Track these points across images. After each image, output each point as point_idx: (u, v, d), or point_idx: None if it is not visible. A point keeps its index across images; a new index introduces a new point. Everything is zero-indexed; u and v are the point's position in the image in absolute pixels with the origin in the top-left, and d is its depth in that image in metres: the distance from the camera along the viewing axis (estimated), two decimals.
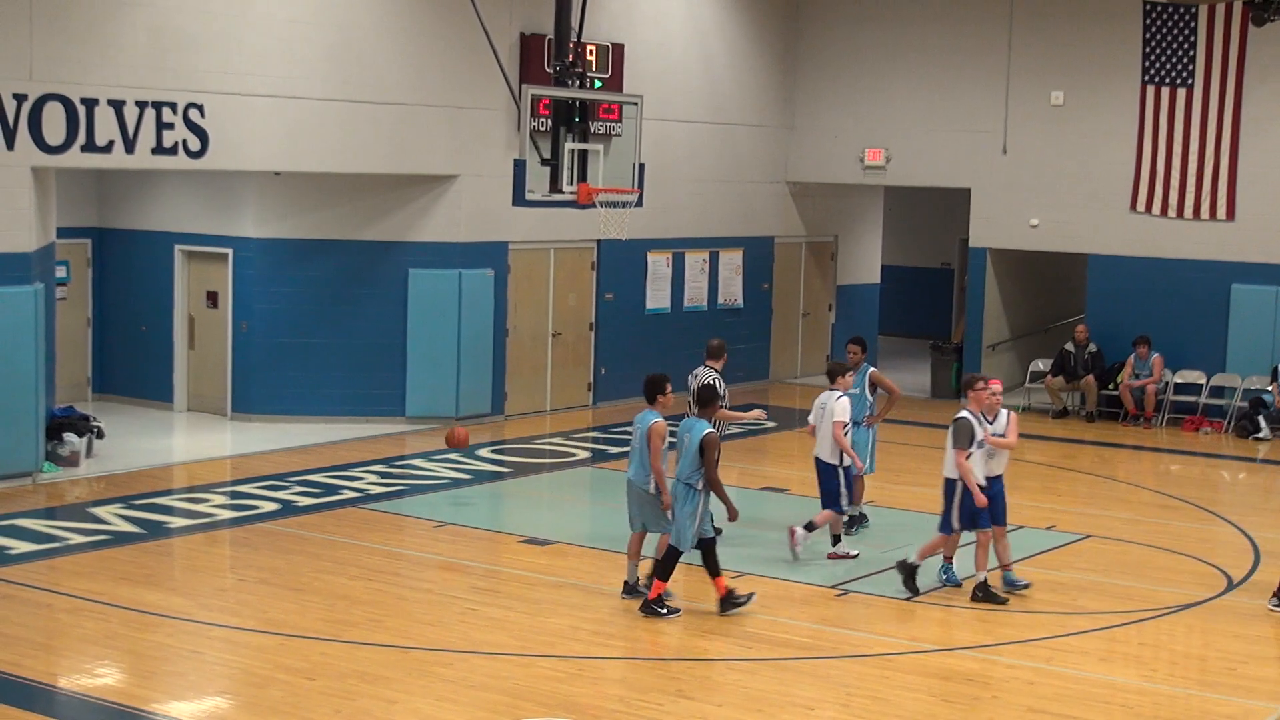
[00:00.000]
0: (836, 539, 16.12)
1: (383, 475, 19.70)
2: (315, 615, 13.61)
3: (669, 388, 14.26)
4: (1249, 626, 14.12)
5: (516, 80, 22.32)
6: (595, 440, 22.48)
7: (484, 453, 21.32)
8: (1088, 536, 17.32)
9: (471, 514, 18.03)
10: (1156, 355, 24.86)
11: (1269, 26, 22.66)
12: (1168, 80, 25.04)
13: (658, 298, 26.34)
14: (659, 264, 26.26)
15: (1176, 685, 12.54)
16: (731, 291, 27.68)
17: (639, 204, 20.37)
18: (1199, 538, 17.08)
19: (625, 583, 14.53)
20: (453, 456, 20.65)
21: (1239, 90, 24.57)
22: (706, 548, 13.94)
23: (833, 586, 15.01)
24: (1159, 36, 24.99)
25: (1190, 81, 24.89)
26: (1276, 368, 23.99)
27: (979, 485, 14.47)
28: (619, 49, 24.41)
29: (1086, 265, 26.31)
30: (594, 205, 19.48)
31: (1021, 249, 26.86)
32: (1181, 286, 25.15)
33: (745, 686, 12.02)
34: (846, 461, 15.89)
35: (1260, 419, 23.89)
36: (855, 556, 16.01)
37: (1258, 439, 23.81)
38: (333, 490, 18.73)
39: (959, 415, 14.65)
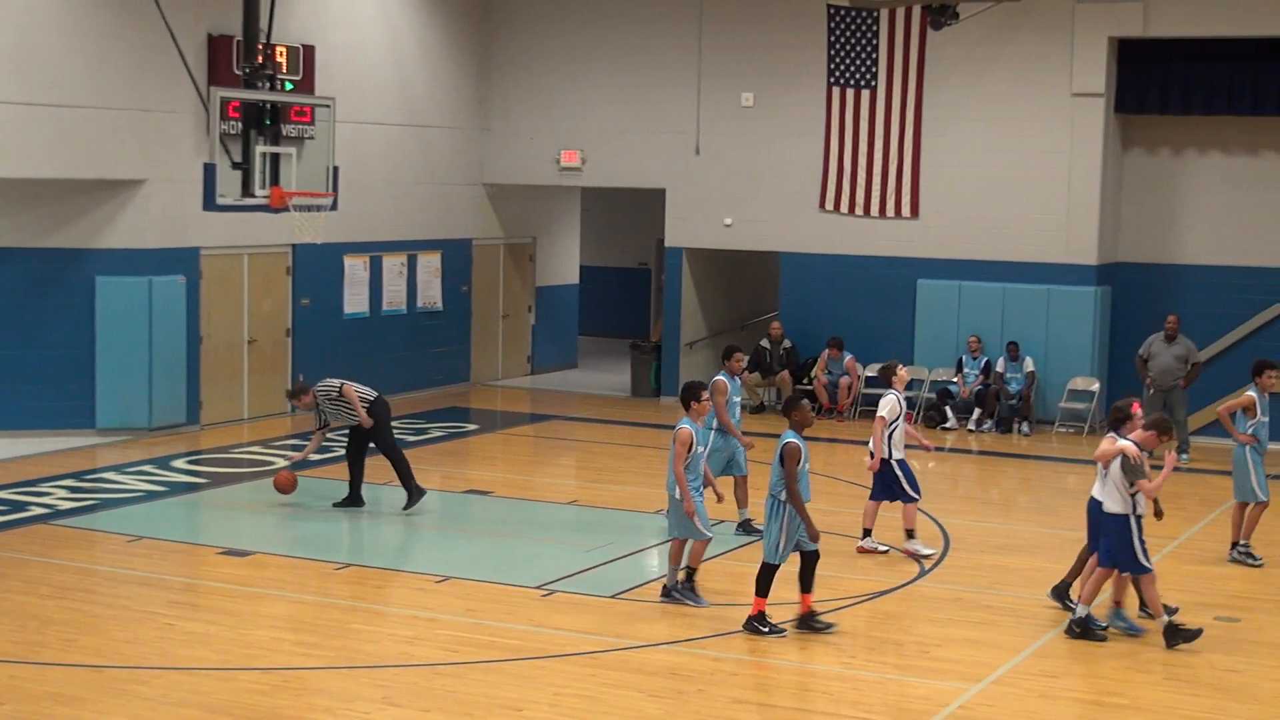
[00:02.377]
0: (866, 532, 16.72)
1: (73, 490, 19.05)
2: (4, 637, 13.08)
3: (704, 395, 14.35)
4: (941, 610, 14.60)
5: (205, 82, 21.82)
6: (295, 447, 22.11)
7: (179, 463, 20.79)
8: None
9: (167, 527, 17.54)
10: (849, 357, 25.54)
11: (946, 30, 23.47)
12: (852, 82, 25.76)
13: (355, 302, 26.02)
14: (356, 268, 25.96)
15: (874, 670, 12.89)
16: (430, 294, 27.52)
17: (334, 207, 20.15)
18: (893, 526, 17.57)
19: (664, 586, 14.65)
20: (147, 469, 20.11)
21: (920, 92, 25.41)
22: (806, 562, 13.71)
23: (538, 587, 15.03)
24: (843, 39, 25.69)
25: (874, 83, 25.65)
26: (961, 359, 24.88)
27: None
28: (310, 51, 24.06)
29: (780, 263, 26.88)
30: (288, 209, 19.18)
31: (716, 248, 27.32)
32: (870, 282, 25.89)
33: (453, 691, 11.95)
34: (898, 454, 16.55)
35: (947, 409, 24.74)
36: (886, 551, 16.66)
37: (945, 429, 24.64)
38: (20, 507, 18.03)
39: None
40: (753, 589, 13.66)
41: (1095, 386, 24.47)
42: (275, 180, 19.00)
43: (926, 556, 16.33)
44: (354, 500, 18.13)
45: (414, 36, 26.92)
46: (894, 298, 25.71)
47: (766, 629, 13.53)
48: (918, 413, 24.97)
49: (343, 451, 18.73)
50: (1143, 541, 13.52)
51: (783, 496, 13.50)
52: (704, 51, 26.79)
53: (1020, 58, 24.78)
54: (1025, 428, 24.38)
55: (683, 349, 27.43)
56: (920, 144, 25.48)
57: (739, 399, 17.19)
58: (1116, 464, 13.48)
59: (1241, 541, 16.59)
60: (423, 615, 14.03)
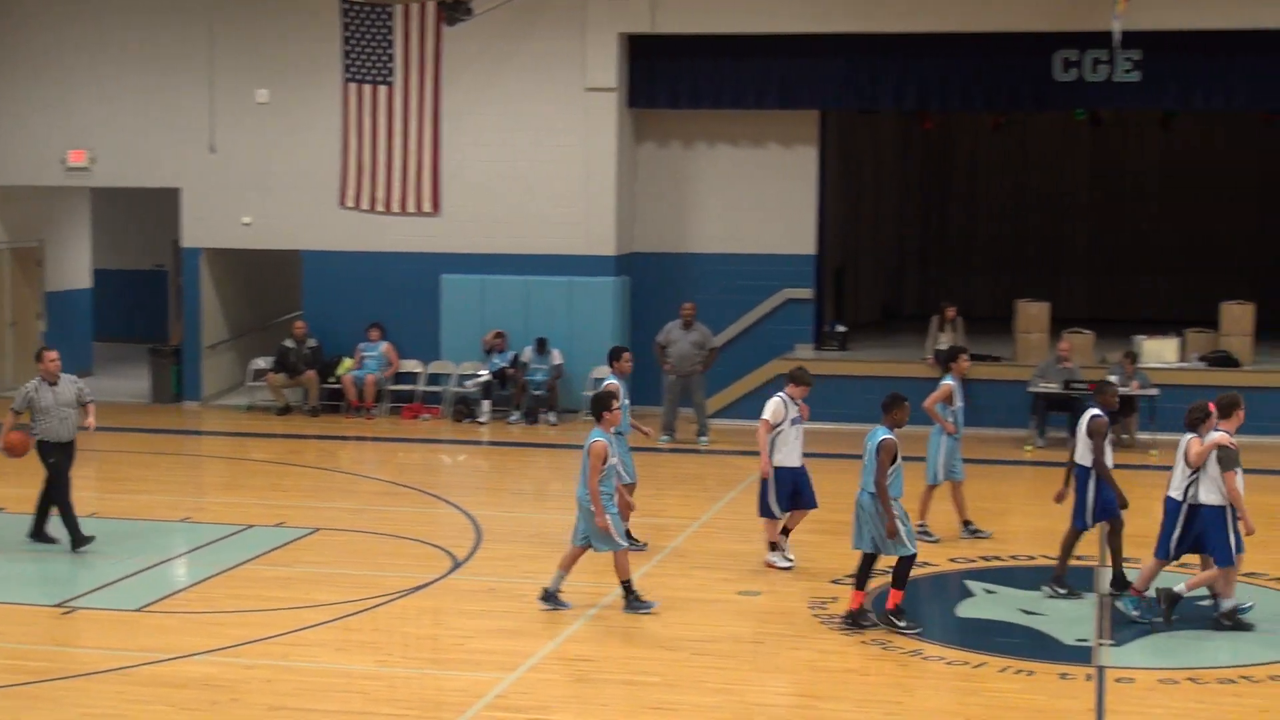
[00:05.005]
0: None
1: None
2: None
3: (615, 404, 14.19)
4: (475, 603, 14.67)
5: None
6: None
7: None
8: (317, 530, 17.43)
9: None
10: (386, 343, 25.40)
11: (461, 26, 23.59)
12: (369, 78, 25.59)
13: None
14: None
15: (410, 667, 12.85)
16: None
17: None
18: (424, 521, 17.57)
19: (545, 590, 14.25)
20: None
21: (437, 88, 25.46)
22: (867, 558, 13.81)
23: (57, 605, 14.37)
24: (358, 35, 25.50)
25: (390, 79, 25.55)
26: (489, 355, 25.06)
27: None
28: None
29: (301, 261, 26.50)
30: None
31: (236, 248, 26.71)
32: (395, 279, 25.80)
33: None
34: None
35: (484, 404, 24.77)
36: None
37: (478, 422, 24.75)
38: None
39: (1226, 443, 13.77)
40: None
41: None
42: None
43: (785, 568, 15.85)
44: None
45: None
46: (419, 293, 25.69)
47: (903, 624, 13.63)
48: (447, 407, 25.05)
49: None
50: (1237, 534, 13.68)
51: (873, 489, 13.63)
52: (216, 47, 26.12)
53: (535, 54, 25.13)
54: (552, 417, 24.75)
55: (205, 351, 26.72)
56: (439, 140, 25.53)
57: (627, 401, 16.40)
58: (1213, 458, 13.59)
59: (967, 520, 17.23)
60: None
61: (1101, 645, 13.40)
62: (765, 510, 15.71)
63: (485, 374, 24.92)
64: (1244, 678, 12.57)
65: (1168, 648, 13.39)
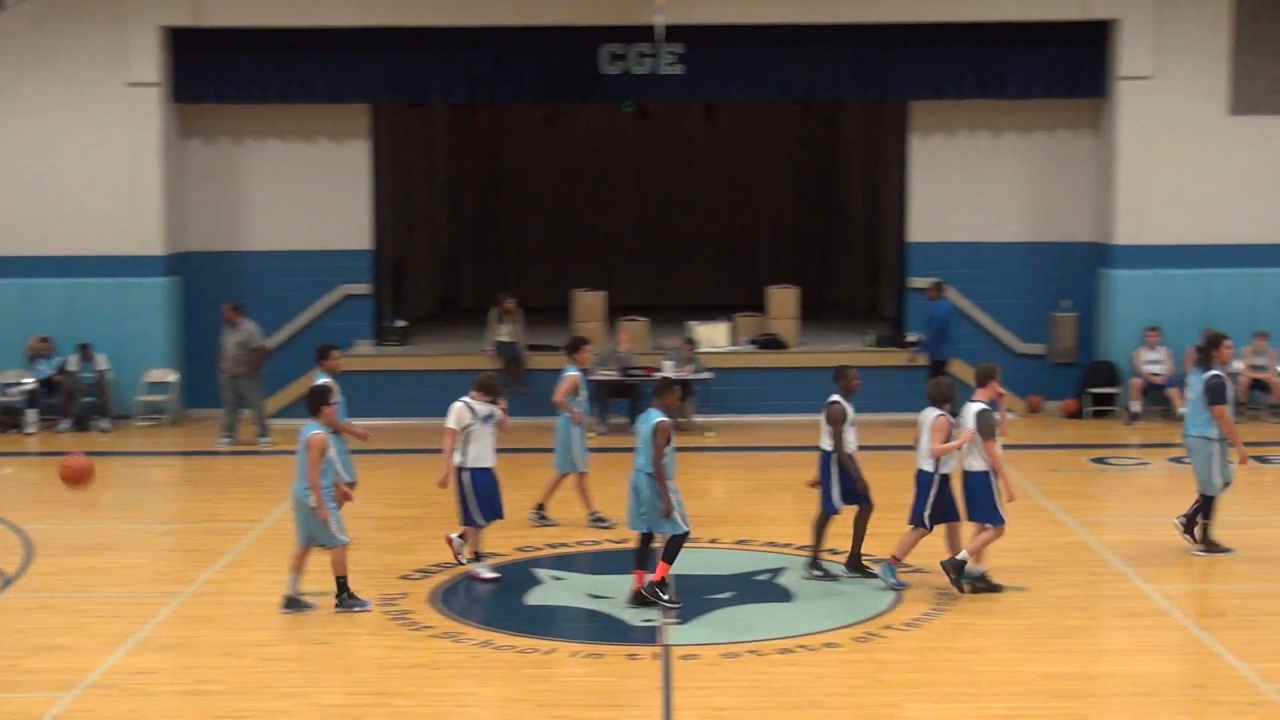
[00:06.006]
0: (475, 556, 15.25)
1: None
2: None
3: (332, 398, 14.15)
4: (28, 620, 14.02)
5: None
6: None
7: None
8: None
9: None
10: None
11: None
12: None
13: None
14: None
15: None
16: None
17: None
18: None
19: (286, 597, 13.93)
20: None
21: None
22: (644, 539, 14.19)
23: None
24: None
25: None
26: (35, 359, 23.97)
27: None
28: None
29: None
30: None
31: None
32: None
33: None
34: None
35: (30, 412, 23.64)
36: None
37: (25, 433, 23.58)
38: None
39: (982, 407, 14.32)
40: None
41: (173, 378, 24.32)
42: None
43: (488, 580, 15.23)
44: None
45: None
46: None
47: (665, 597, 14.04)
48: None
49: None
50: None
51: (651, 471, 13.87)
52: None
53: (74, 48, 24.09)
54: (105, 424, 23.85)
55: None
56: None
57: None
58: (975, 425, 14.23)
59: (541, 503, 17.36)
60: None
61: (667, 624, 13.74)
62: (468, 519, 15.15)
63: (31, 381, 23.83)
64: (802, 647, 13.09)
65: (730, 623, 13.83)
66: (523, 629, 13.66)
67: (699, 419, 23.44)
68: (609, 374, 23.25)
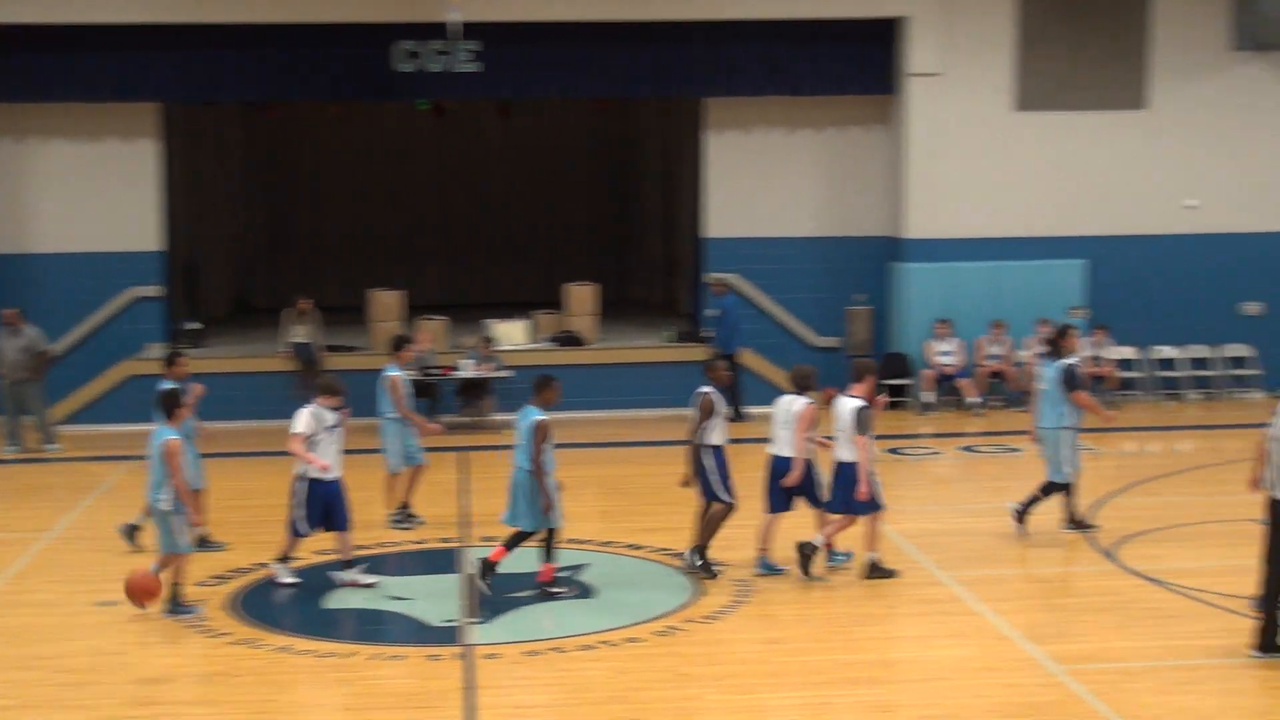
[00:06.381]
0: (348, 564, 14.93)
1: None
2: None
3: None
4: None
5: None
6: None
7: None
8: None
9: None
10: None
11: None
12: None
13: None
14: None
15: None
16: None
17: None
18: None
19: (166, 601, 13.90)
20: None
21: None
22: (519, 537, 14.27)
23: None
24: None
25: None
26: None
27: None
28: None
29: None
30: None
31: None
32: None
33: None
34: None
35: None
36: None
37: None
38: None
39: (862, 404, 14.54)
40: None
41: None
42: None
43: (289, 584, 14.84)
44: None
45: None
46: None
47: (560, 590, 14.34)
48: None
49: None
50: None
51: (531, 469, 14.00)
52: None
53: None
54: None
55: None
56: None
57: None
58: (851, 419, 14.49)
59: (405, 503, 17.32)
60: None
61: (468, 624, 13.66)
62: (294, 529, 14.77)
63: None
64: (604, 643, 13.10)
65: (531, 622, 13.79)
66: (322, 633, 13.49)
67: (499, 417, 23.36)
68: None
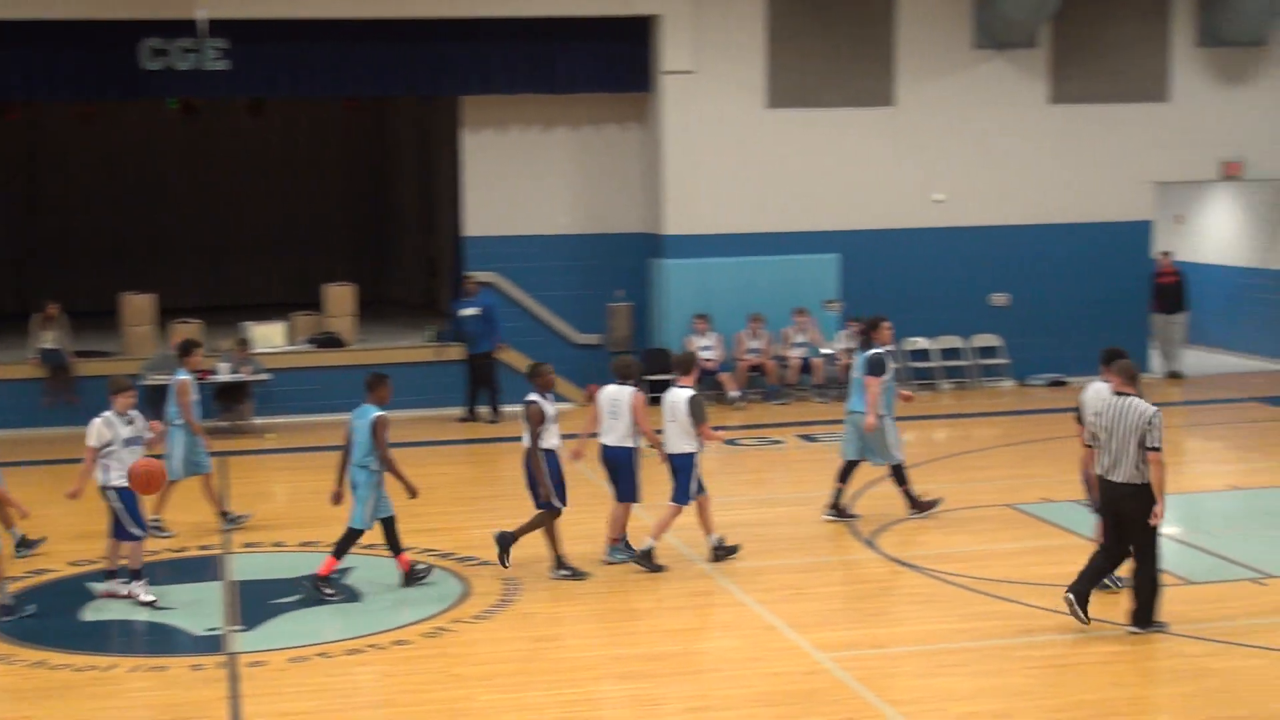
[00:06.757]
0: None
1: None
2: None
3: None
4: None
5: None
6: None
7: None
8: None
9: None
10: None
11: None
12: None
13: None
14: None
15: None
16: None
17: None
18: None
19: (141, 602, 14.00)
20: None
21: None
22: (387, 526, 14.47)
23: None
24: None
25: None
26: None
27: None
28: None
29: None
30: None
31: None
32: None
33: None
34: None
35: None
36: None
37: None
38: None
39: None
40: None
41: None
42: None
43: (147, 603, 14.15)
44: None
45: None
46: None
47: (331, 591, 14.26)
48: None
49: None
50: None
51: (372, 466, 14.22)
52: None
53: None
54: None
55: None
56: None
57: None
58: (686, 410, 14.99)
59: (223, 509, 17.22)
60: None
61: (231, 632, 13.42)
62: (122, 534, 14.20)
63: None
64: (371, 646, 12.99)
65: (295, 627, 13.60)
66: (79, 646, 13.12)
67: (258, 421, 22.99)
68: (162, 378, 22.52)
